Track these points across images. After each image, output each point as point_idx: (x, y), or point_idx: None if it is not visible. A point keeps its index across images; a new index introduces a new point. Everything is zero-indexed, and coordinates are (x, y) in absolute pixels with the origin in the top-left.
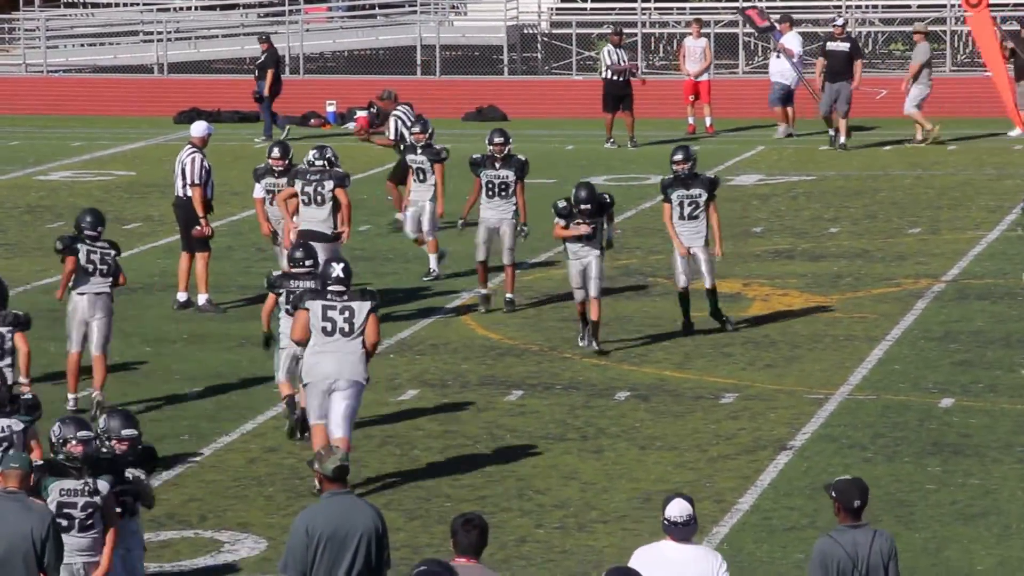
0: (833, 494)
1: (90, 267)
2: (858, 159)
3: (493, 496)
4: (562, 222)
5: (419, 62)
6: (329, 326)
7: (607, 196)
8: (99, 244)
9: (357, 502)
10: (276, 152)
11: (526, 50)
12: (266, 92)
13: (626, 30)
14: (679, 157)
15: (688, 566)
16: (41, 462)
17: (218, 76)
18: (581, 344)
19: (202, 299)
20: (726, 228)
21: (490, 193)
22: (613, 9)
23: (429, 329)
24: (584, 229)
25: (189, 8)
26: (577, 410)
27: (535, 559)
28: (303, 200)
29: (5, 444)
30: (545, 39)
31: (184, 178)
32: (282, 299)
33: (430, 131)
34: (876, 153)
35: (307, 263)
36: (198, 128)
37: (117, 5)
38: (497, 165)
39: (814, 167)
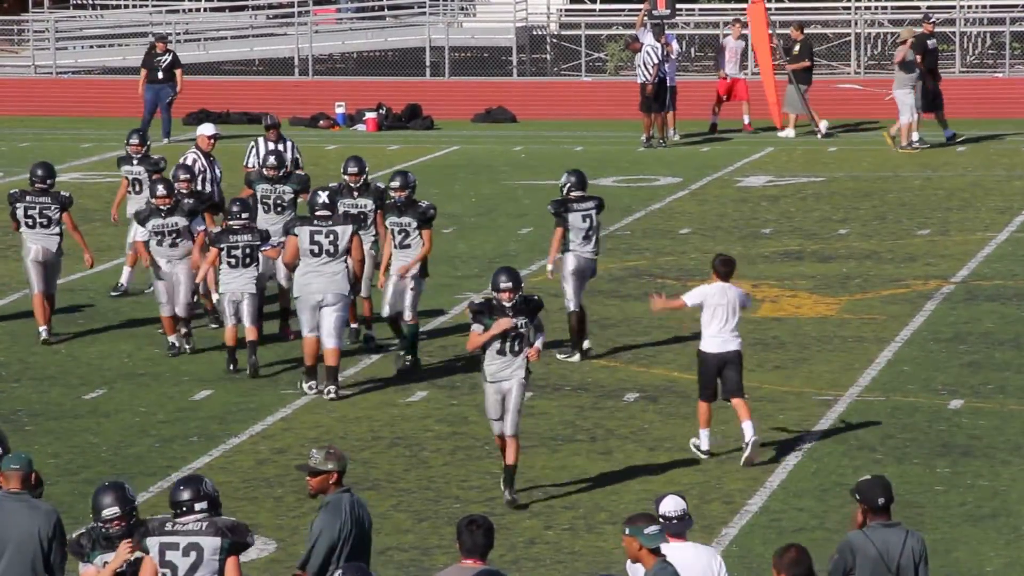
0: (857, 496)
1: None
2: (867, 160)
3: (501, 497)
4: (478, 328)
5: (428, 63)
6: (316, 248)
7: (536, 296)
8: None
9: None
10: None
11: (535, 51)
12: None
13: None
14: (396, 184)
15: (689, 565)
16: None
17: (227, 77)
18: (503, 490)
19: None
20: (736, 229)
21: None
22: (622, 10)
23: (438, 331)
24: (506, 324)
25: (198, 9)
26: (586, 411)
27: (544, 560)
28: (263, 208)
29: None
30: (554, 40)
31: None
32: (224, 253)
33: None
34: (885, 154)
35: (243, 216)
36: (205, 129)
37: (126, 6)
38: (355, 195)
39: (823, 168)
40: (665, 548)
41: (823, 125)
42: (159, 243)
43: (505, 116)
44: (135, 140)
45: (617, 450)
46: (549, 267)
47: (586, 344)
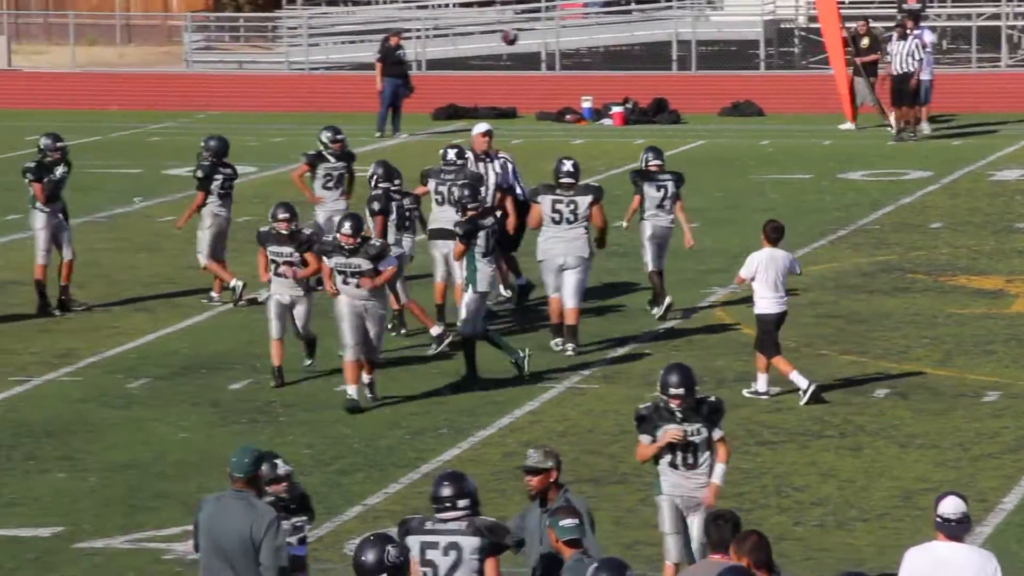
0: None
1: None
2: None
3: (750, 493)
4: (646, 439)
5: (675, 57)
6: (557, 216)
7: (713, 398)
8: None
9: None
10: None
11: (783, 45)
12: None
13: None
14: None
15: (964, 567)
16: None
17: (475, 72)
18: None
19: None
20: (989, 223)
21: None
22: (872, 2)
23: (685, 325)
24: (674, 435)
25: (447, 5)
26: (835, 407)
27: (793, 557)
28: (436, 199)
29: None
30: (802, 33)
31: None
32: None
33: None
34: None
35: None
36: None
37: (377, 2)
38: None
39: None
40: (941, 549)
41: (892, 119)
42: (344, 282)
43: (752, 110)
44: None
45: (867, 446)
46: (625, 224)
47: (668, 299)
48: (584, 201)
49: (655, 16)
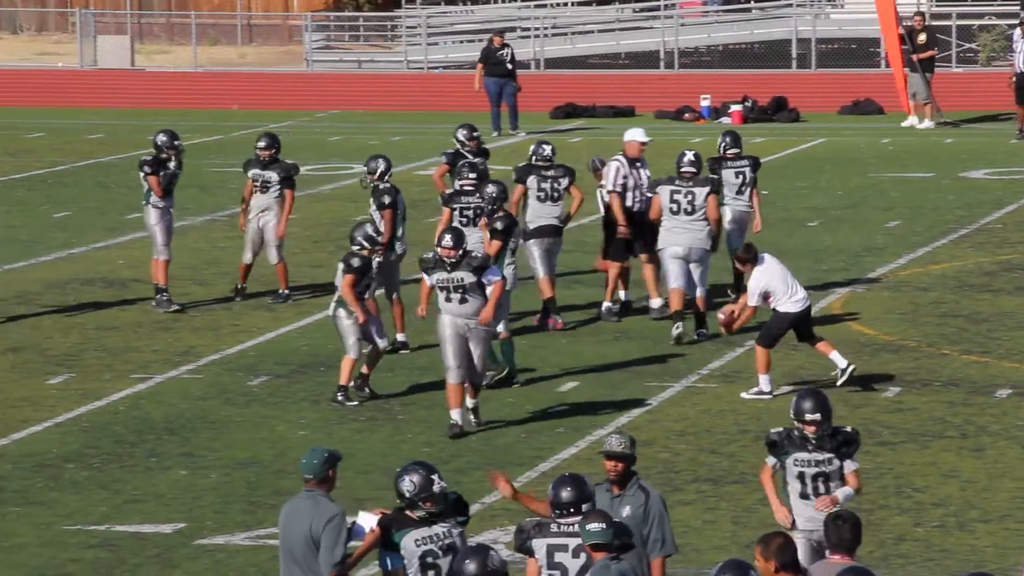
0: None
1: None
2: None
3: (870, 493)
4: (772, 461)
5: (795, 55)
6: (675, 207)
7: (849, 428)
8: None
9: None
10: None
11: (903, 42)
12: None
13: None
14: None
15: None
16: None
17: (593, 71)
18: None
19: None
20: None
21: None
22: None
23: None
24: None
25: (565, 4)
26: (957, 407)
27: (914, 558)
28: (538, 196)
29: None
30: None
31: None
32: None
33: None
34: None
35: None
36: (631, 134)
37: (495, 1)
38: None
39: None
40: None
41: (927, 115)
42: (446, 299)
43: (872, 108)
44: (474, 133)
45: (989, 447)
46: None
47: None
48: (702, 192)
49: (775, 14)
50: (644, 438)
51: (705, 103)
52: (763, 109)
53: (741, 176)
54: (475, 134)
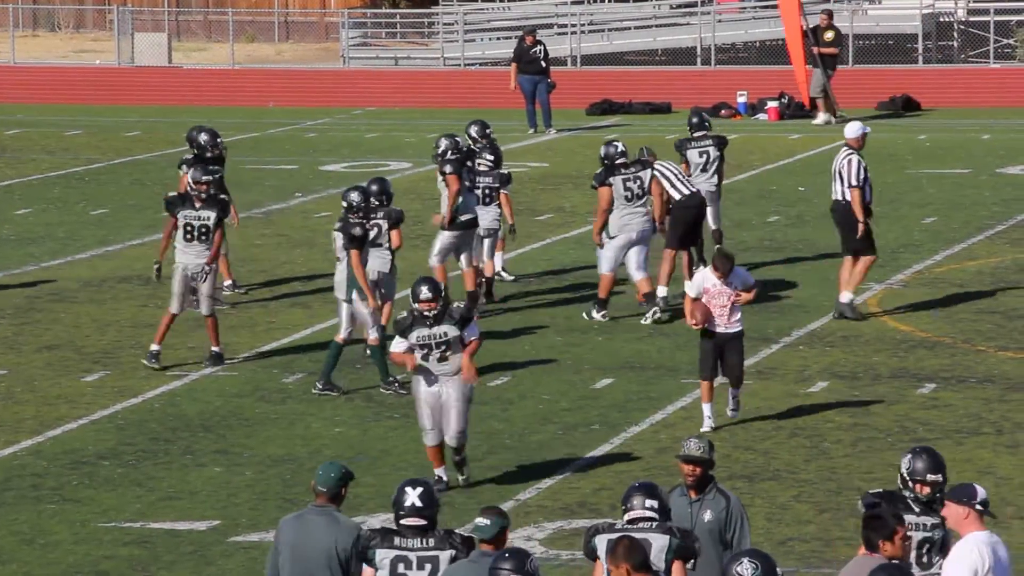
0: None
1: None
2: None
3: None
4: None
5: None
6: (628, 194)
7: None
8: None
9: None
10: None
11: (941, 38)
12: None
13: None
14: None
15: None
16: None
17: (629, 68)
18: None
19: (845, 297)
20: None
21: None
22: None
23: (840, 321)
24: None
25: (602, 0)
26: (992, 404)
27: None
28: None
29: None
30: (961, 27)
31: (842, 181)
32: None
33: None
34: None
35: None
36: (852, 129)
37: None
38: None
39: None
40: None
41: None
42: (424, 357)
43: (910, 105)
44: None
45: None
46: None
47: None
48: (647, 176)
49: (811, 11)
50: (679, 434)
51: (742, 99)
52: (799, 105)
53: (705, 156)
54: (487, 131)
